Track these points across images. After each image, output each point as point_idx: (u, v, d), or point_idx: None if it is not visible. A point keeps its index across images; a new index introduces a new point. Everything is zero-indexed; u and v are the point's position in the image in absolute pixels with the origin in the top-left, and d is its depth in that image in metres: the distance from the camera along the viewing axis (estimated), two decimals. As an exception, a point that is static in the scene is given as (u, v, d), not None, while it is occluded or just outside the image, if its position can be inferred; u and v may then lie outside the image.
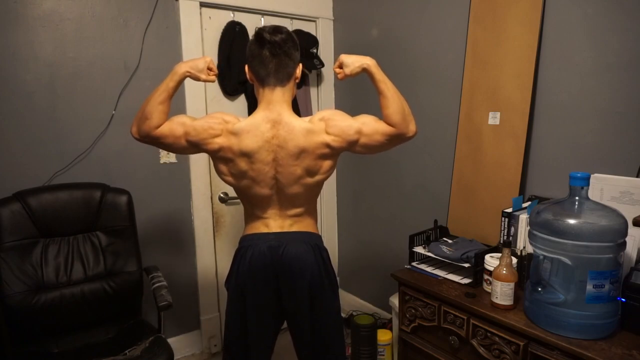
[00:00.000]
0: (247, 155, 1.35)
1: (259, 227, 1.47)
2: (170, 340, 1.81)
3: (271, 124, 1.35)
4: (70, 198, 1.87)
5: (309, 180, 1.41)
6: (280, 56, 1.35)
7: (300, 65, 1.45)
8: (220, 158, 1.40)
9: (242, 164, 1.37)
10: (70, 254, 1.85)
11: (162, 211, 2.31)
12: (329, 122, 1.37)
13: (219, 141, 1.36)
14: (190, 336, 2.51)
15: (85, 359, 1.66)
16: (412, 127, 1.39)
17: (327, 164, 1.42)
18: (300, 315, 1.45)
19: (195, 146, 1.39)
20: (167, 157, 2.31)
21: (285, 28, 1.38)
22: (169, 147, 1.41)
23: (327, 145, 1.37)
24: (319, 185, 1.47)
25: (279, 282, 1.43)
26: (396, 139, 1.40)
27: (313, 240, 1.48)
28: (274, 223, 1.47)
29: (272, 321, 1.49)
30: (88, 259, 1.87)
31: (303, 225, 1.49)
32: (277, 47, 1.33)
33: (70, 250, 1.85)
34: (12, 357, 1.66)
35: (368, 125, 1.38)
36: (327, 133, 1.36)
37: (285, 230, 1.46)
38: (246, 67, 1.43)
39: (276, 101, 1.38)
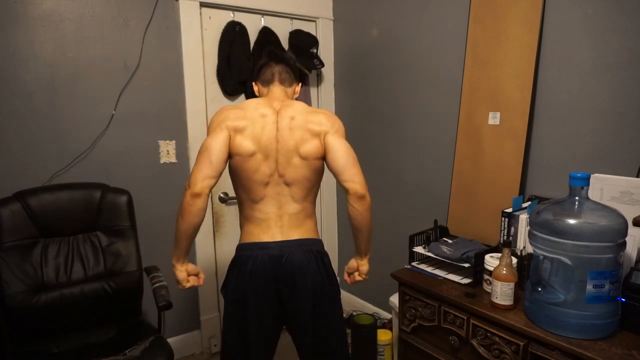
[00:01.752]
0: (262, 115, 1.42)
1: (259, 235, 1.45)
2: (170, 340, 1.81)
3: (275, 104, 1.47)
4: (70, 198, 1.87)
5: (299, 159, 1.42)
6: (284, 65, 1.54)
7: (300, 85, 1.61)
8: (237, 127, 1.40)
9: (259, 126, 1.41)
10: (70, 254, 1.85)
11: (162, 211, 2.31)
12: (330, 114, 1.52)
13: (235, 114, 1.42)
14: (190, 336, 2.51)
15: (85, 359, 1.66)
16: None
17: (315, 142, 1.43)
18: (303, 321, 1.44)
19: (228, 134, 1.40)
20: (167, 157, 2.32)
21: (292, 54, 1.59)
22: (224, 162, 1.41)
23: (320, 123, 1.44)
24: (311, 170, 1.45)
25: (281, 291, 1.42)
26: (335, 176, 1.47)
27: (315, 247, 1.47)
28: (275, 227, 1.44)
29: (274, 331, 1.50)
30: (88, 259, 1.87)
31: (304, 231, 1.47)
32: (282, 59, 1.54)
33: (70, 250, 1.85)
34: (12, 357, 1.66)
35: (346, 150, 1.44)
36: (323, 113, 1.49)
37: (286, 237, 1.44)
38: (253, 84, 1.58)
39: (279, 93, 1.52)
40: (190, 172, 1.39)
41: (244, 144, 1.39)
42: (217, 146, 1.36)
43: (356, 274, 1.61)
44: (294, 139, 1.41)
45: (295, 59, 1.60)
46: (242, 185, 1.46)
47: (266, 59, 1.55)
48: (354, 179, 1.42)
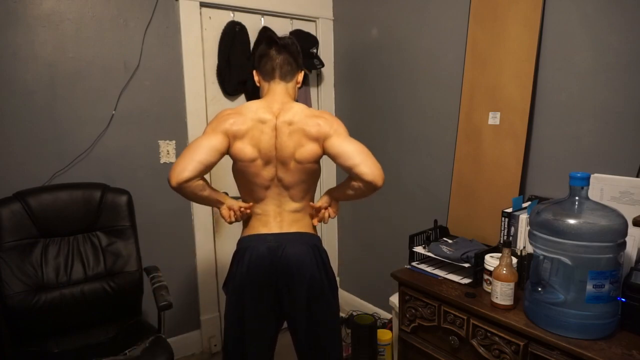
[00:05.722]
0: (262, 121, 1.40)
1: (258, 228, 1.47)
2: (170, 340, 1.81)
3: (275, 107, 1.43)
4: (70, 198, 1.87)
5: (294, 163, 1.41)
6: (286, 54, 1.47)
7: (302, 72, 1.54)
8: (236, 133, 1.39)
9: (258, 132, 1.39)
10: (70, 254, 1.85)
11: (162, 211, 2.31)
12: (329, 116, 1.46)
13: (234, 119, 1.40)
14: (190, 336, 2.51)
15: (85, 359, 1.66)
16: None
17: (311, 146, 1.40)
18: (300, 316, 1.45)
19: (227, 137, 1.39)
20: (167, 157, 2.31)
21: (293, 38, 1.51)
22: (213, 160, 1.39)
23: (318, 126, 1.40)
24: (306, 174, 1.45)
25: (278, 283, 1.43)
26: (349, 172, 1.40)
27: (312, 241, 1.48)
28: (274, 222, 1.47)
29: (271, 323, 1.49)
30: (88, 259, 1.87)
31: (302, 225, 1.49)
32: (284, 47, 1.46)
33: (70, 250, 1.85)
34: (12, 357, 1.66)
35: (354, 147, 1.38)
36: (322, 117, 1.43)
37: (285, 230, 1.46)
38: (254, 72, 1.52)
39: (280, 93, 1.47)
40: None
41: (246, 150, 1.40)
42: (207, 145, 1.35)
43: (331, 211, 1.54)
44: (292, 144, 1.40)
45: (297, 42, 1.51)
46: (244, 187, 1.50)
47: (265, 47, 1.47)
48: (374, 171, 1.34)
